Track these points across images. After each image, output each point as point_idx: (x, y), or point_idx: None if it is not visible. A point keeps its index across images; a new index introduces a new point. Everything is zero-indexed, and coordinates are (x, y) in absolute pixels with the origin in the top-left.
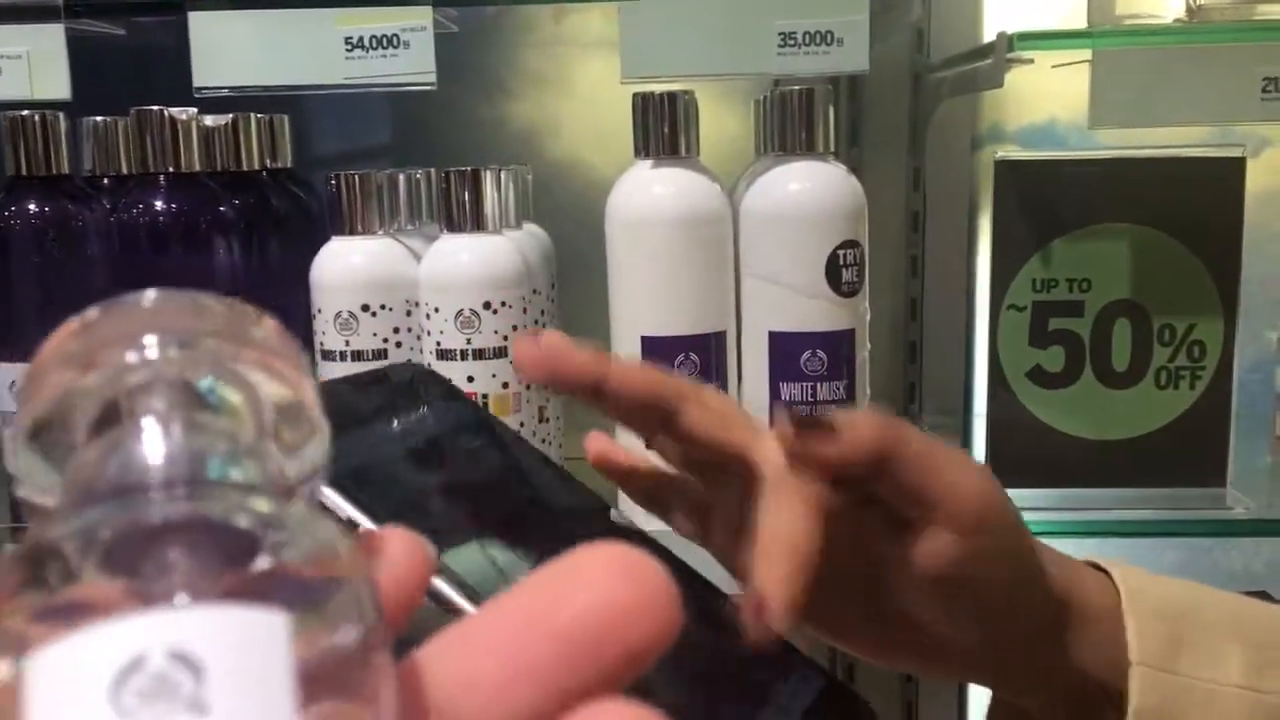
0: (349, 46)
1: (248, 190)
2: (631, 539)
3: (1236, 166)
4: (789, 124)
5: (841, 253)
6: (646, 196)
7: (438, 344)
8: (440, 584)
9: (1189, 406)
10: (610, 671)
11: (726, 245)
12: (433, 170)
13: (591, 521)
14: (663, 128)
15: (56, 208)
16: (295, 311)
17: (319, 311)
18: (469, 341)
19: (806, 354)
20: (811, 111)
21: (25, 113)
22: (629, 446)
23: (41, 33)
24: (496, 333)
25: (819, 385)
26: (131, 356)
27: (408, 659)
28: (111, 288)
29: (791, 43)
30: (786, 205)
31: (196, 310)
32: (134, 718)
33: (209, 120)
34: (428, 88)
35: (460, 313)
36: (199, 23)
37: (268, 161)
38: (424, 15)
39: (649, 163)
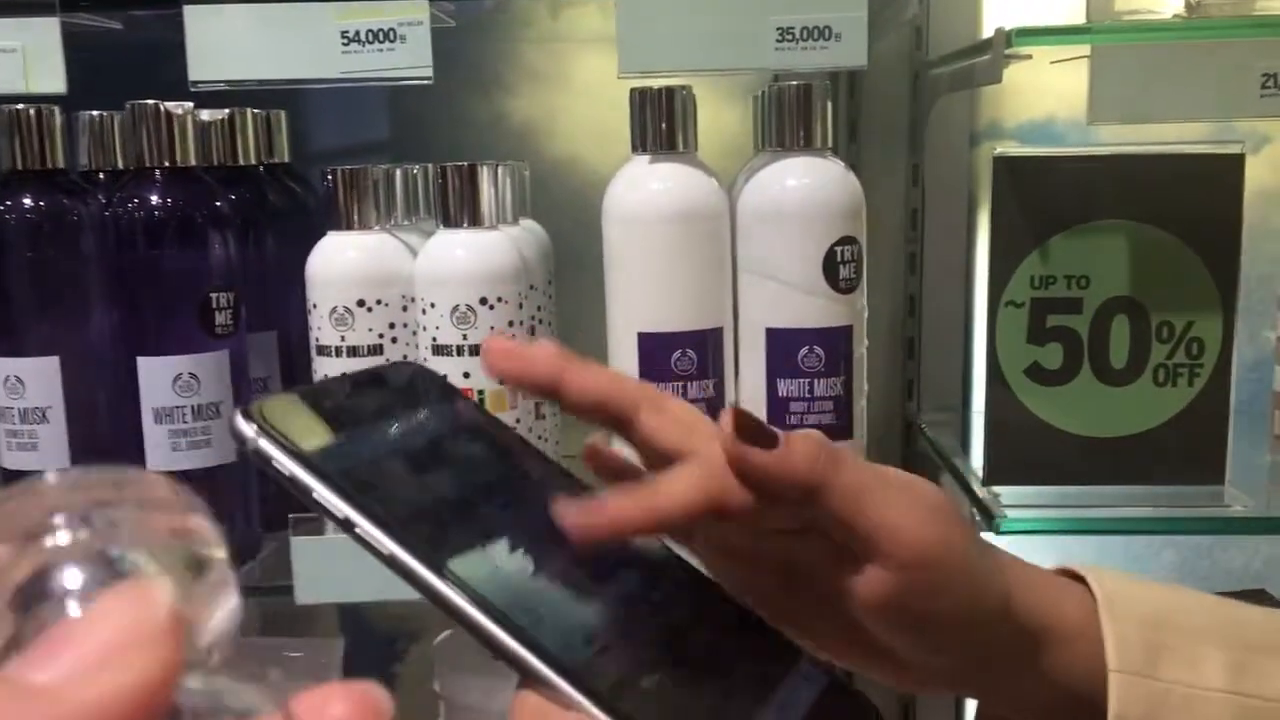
0: (345, 40)
1: (244, 185)
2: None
3: (1235, 163)
4: (787, 120)
5: (839, 249)
6: (644, 192)
7: (434, 339)
8: (443, 588)
9: (1187, 404)
10: None
11: (724, 241)
12: (429, 165)
13: None
14: (660, 123)
15: (52, 202)
16: (291, 306)
17: (314, 306)
18: (465, 337)
19: (804, 350)
20: (809, 107)
21: (20, 107)
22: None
23: (37, 26)
24: (493, 328)
25: (816, 381)
26: (46, 537)
27: None
28: (106, 282)
29: (789, 38)
30: (784, 201)
31: (103, 485)
32: None
33: (205, 115)
34: (424, 82)
35: (456, 308)
36: (195, 16)
37: (265, 157)
38: (421, 9)
39: (646, 158)
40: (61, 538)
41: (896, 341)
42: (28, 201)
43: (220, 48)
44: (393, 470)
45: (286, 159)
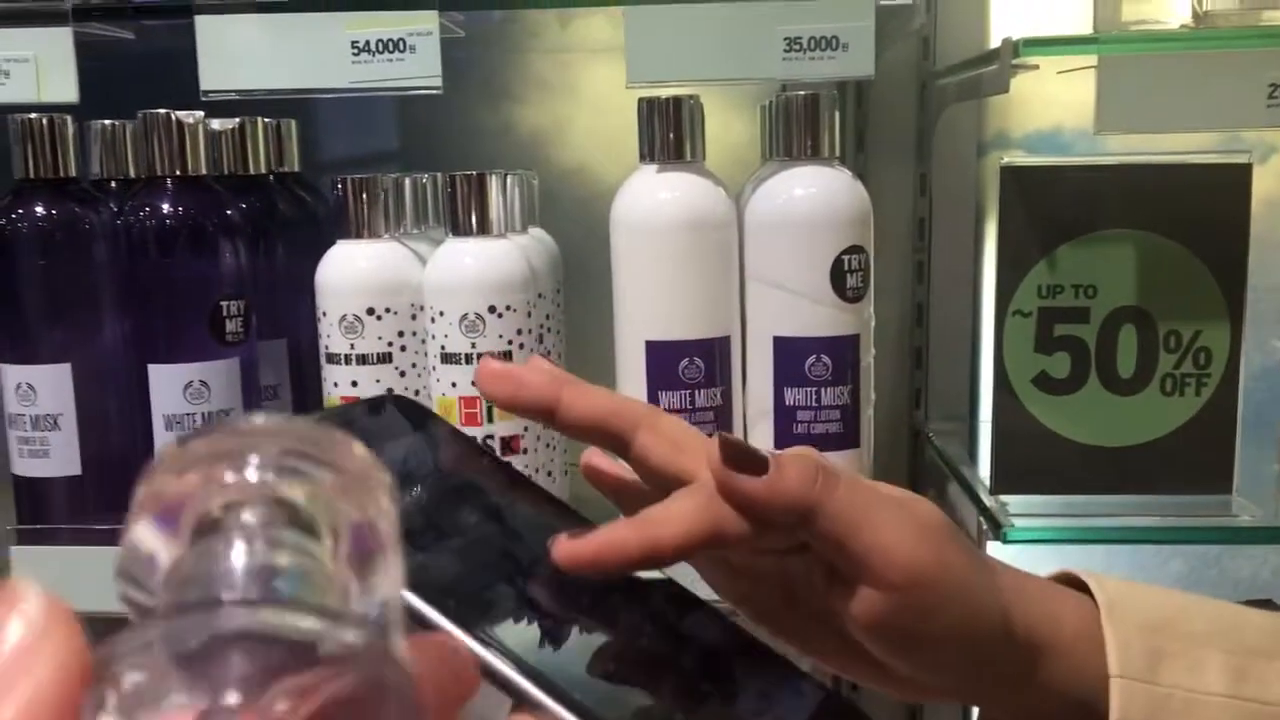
0: (355, 50)
1: (254, 194)
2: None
3: (1243, 173)
4: (794, 129)
5: (846, 258)
6: (651, 201)
7: (442, 348)
8: (438, 619)
9: (1195, 413)
10: None
11: (731, 250)
12: (439, 175)
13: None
14: (668, 132)
15: (63, 211)
16: (301, 314)
17: (324, 315)
18: (473, 345)
19: (811, 359)
20: (817, 117)
21: (33, 116)
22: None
23: (49, 36)
24: (501, 337)
25: (823, 390)
26: (229, 475)
27: None
28: (118, 290)
29: (797, 48)
30: (791, 210)
31: (292, 435)
32: None
33: (216, 124)
34: (434, 91)
35: (465, 316)
36: (206, 26)
37: (275, 166)
38: (430, 20)
39: (654, 167)
40: (251, 476)
41: (904, 351)
42: (40, 210)
43: (231, 57)
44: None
45: (297, 168)
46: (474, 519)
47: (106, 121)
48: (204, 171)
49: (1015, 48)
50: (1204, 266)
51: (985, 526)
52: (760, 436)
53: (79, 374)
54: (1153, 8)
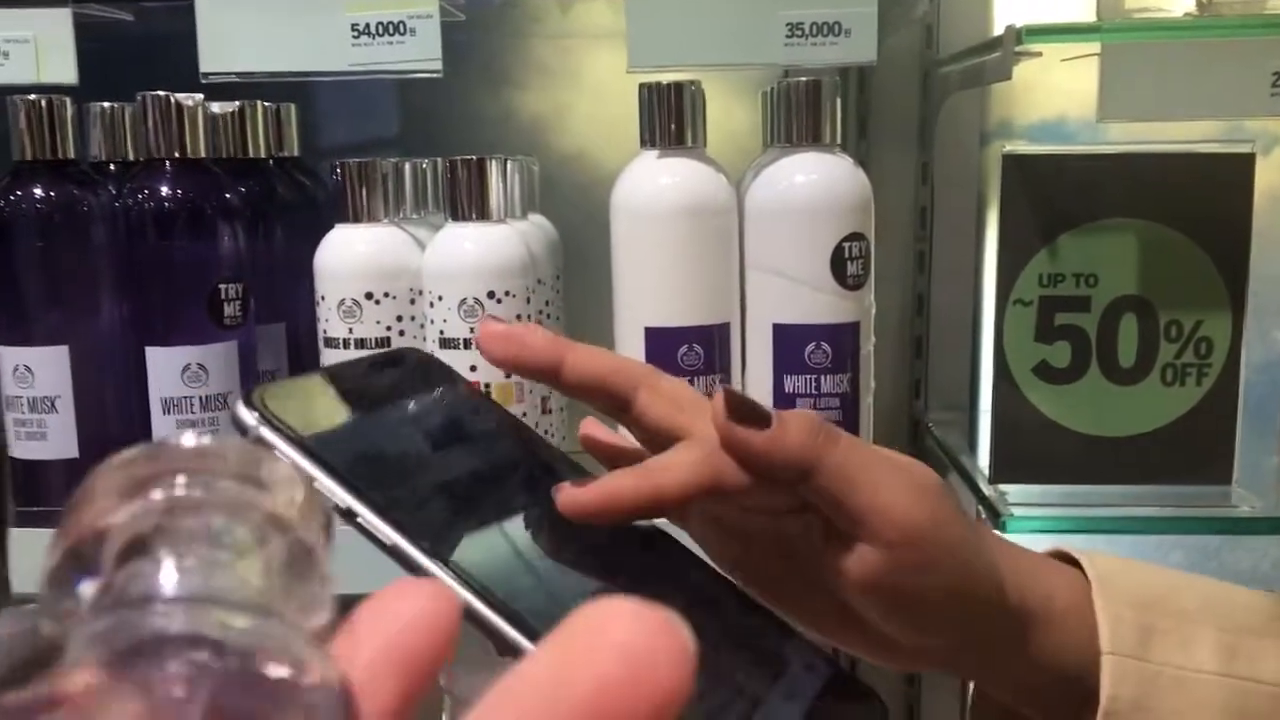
0: (355, 33)
1: (254, 178)
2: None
3: (1246, 163)
4: (795, 115)
5: (847, 245)
6: (652, 187)
7: (441, 333)
8: (446, 578)
9: (1195, 403)
10: None
11: (731, 237)
12: (439, 159)
13: None
14: (669, 118)
15: (62, 193)
16: (300, 298)
17: (323, 299)
18: (472, 330)
19: (810, 346)
20: (819, 103)
21: (32, 97)
22: (620, 430)
23: (49, 17)
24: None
25: (823, 378)
26: (156, 495)
27: None
28: (116, 273)
29: (799, 33)
30: (791, 197)
31: (220, 456)
32: None
33: (215, 108)
34: (434, 75)
35: (464, 301)
36: (206, 8)
37: (275, 150)
38: (430, 3)
39: (655, 153)
40: (171, 498)
41: (904, 340)
42: (38, 192)
43: (231, 39)
44: (395, 459)
45: (296, 152)
46: (481, 468)
47: (106, 104)
48: (203, 154)
49: (1018, 35)
50: (1206, 256)
51: (984, 516)
52: None
53: (76, 356)
54: None
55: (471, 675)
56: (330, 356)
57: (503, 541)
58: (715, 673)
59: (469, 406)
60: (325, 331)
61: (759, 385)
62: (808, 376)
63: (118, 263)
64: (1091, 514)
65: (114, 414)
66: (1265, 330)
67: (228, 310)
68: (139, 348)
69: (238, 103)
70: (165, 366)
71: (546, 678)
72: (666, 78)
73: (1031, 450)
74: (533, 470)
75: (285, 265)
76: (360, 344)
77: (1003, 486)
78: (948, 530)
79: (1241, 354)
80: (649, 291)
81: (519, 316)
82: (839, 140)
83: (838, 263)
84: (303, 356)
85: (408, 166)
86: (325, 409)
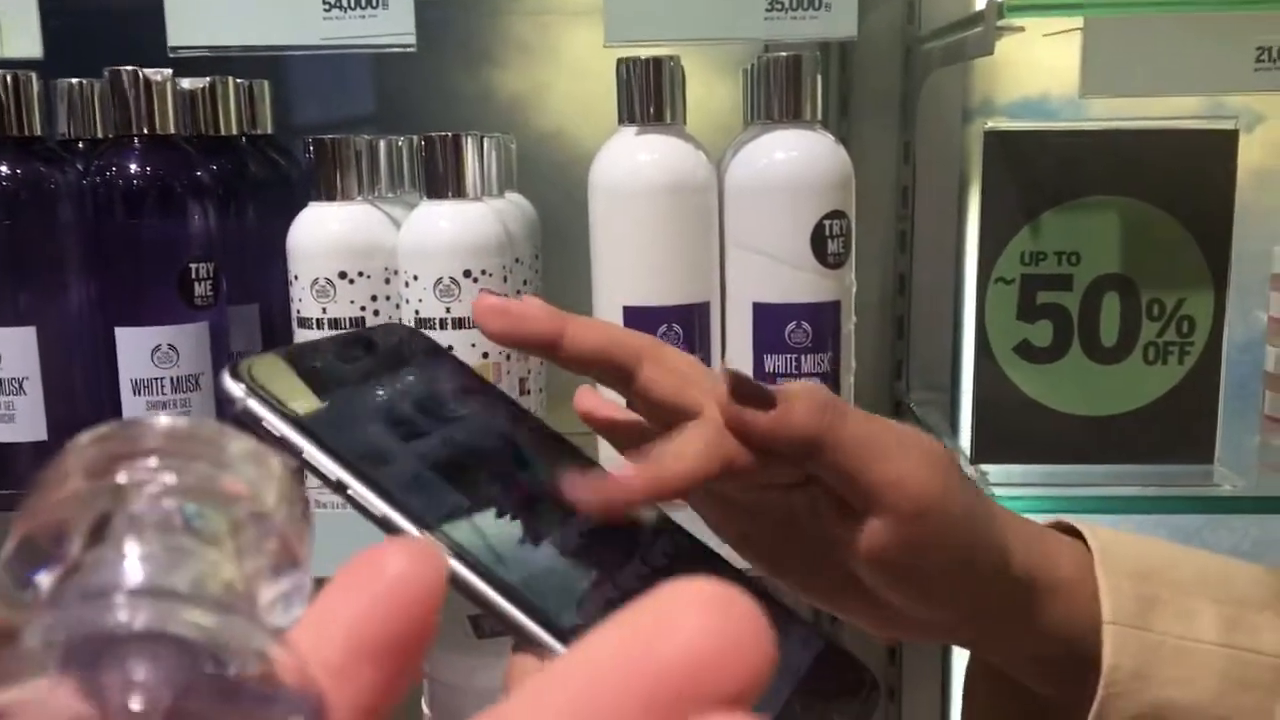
0: (327, 6)
1: (225, 156)
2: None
3: (1229, 140)
4: (775, 91)
5: (827, 223)
6: (630, 164)
7: (416, 312)
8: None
9: (1177, 382)
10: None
11: (711, 215)
12: (414, 137)
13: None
14: (647, 94)
15: (29, 170)
16: (273, 278)
17: (296, 278)
18: (448, 310)
19: (791, 325)
20: (799, 79)
21: None
22: (613, 399)
23: None
24: None
25: (803, 358)
26: (123, 478)
27: (494, 711)
28: (85, 252)
29: (779, 7)
30: (771, 174)
31: (192, 438)
32: None
33: (186, 84)
34: (407, 49)
35: (439, 281)
36: None
37: (247, 127)
38: None
39: (633, 129)
40: (141, 480)
41: (886, 319)
42: (4, 169)
43: (200, 12)
44: (384, 431)
45: (269, 130)
46: (470, 440)
47: (73, 80)
48: (173, 131)
49: (1000, 9)
50: (1188, 234)
51: None
52: None
53: (44, 337)
54: None
55: (449, 658)
56: (304, 337)
57: (493, 513)
58: None
59: (456, 380)
60: (299, 312)
61: (739, 365)
62: (788, 356)
63: (86, 242)
64: (1073, 493)
65: (83, 396)
66: (1247, 309)
67: (198, 290)
68: (108, 328)
69: (208, 79)
70: (135, 347)
71: (614, 656)
72: (645, 53)
73: (1013, 430)
74: (523, 442)
75: (258, 244)
76: (334, 324)
77: (984, 466)
78: (958, 501)
79: (1224, 333)
80: (628, 270)
81: None
82: (820, 117)
83: (818, 241)
84: (276, 337)
85: (382, 144)
86: (312, 382)
